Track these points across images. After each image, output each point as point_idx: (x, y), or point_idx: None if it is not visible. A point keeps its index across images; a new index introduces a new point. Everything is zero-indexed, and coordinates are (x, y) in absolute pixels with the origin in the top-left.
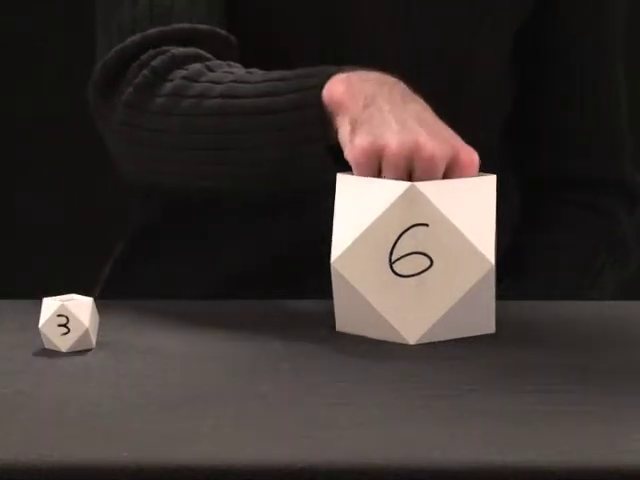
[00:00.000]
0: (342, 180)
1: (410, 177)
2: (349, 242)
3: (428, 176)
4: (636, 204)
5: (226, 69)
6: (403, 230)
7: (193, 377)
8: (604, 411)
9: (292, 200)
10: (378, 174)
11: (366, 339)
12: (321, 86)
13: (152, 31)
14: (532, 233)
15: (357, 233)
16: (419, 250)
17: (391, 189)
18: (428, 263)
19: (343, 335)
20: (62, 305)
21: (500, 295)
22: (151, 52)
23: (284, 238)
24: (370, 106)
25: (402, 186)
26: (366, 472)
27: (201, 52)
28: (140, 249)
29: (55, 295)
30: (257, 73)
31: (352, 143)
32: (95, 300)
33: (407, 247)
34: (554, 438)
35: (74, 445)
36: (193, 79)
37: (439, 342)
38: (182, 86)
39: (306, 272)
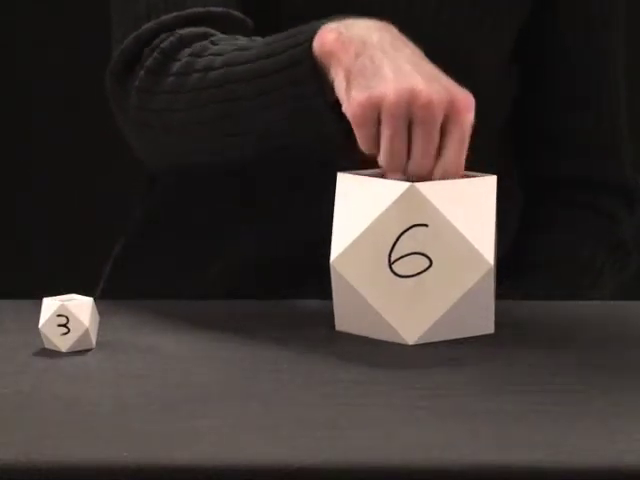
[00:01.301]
0: (342, 180)
1: (409, 128)
2: (349, 242)
3: (427, 123)
4: (636, 205)
5: (230, 40)
6: (403, 230)
7: (193, 377)
8: (604, 411)
9: (292, 200)
10: (378, 126)
11: (366, 339)
12: (311, 39)
13: (167, 17)
14: (532, 233)
15: (357, 233)
16: (418, 250)
17: (391, 189)
18: (427, 263)
19: (343, 335)
20: (62, 305)
21: (500, 295)
22: (163, 36)
23: (284, 238)
24: (362, 54)
25: (402, 186)
26: (366, 472)
27: (210, 30)
28: (140, 249)
29: (55, 295)
30: (258, 40)
31: (348, 98)
32: (95, 300)
33: (406, 247)
34: (554, 438)
35: (74, 445)
36: (198, 54)
37: (439, 342)
38: (188, 63)
39: (306, 272)
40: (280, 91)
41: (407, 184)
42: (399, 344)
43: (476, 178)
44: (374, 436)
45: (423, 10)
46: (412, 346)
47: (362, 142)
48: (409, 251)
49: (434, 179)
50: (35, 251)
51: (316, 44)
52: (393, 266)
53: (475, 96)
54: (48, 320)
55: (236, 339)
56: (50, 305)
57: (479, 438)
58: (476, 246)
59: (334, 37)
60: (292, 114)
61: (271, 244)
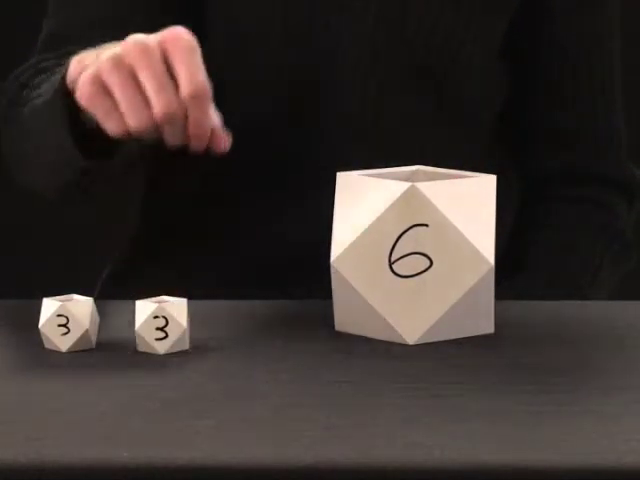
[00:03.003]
0: (342, 179)
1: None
2: (349, 242)
3: (144, 60)
4: (634, 197)
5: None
6: (403, 230)
7: (193, 377)
8: (604, 411)
9: (292, 202)
10: (109, 102)
11: (366, 339)
12: (63, 75)
13: (49, 55)
14: (531, 231)
15: (357, 233)
16: (419, 250)
17: (391, 189)
18: (428, 263)
19: (343, 335)
20: (62, 305)
21: (500, 295)
22: (31, 70)
23: (284, 238)
24: (94, 63)
25: (402, 186)
26: (366, 472)
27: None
28: (139, 250)
29: (55, 295)
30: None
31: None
32: (95, 300)
33: (407, 247)
34: (554, 438)
35: (74, 445)
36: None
37: (439, 342)
38: (15, 95)
39: (306, 272)
40: (46, 132)
41: (407, 184)
42: (399, 344)
43: (476, 178)
44: (374, 436)
45: (406, 14)
46: (413, 346)
47: (99, 118)
48: (409, 251)
49: (187, 106)
50: (35, 251)
51: (68, 78)
52: (393, 266)
53: (468, 96)
54: (48, 320)
55: (236, 339)
56: (50, 305)
57: (479, 438)
58: (476, 246)
59: (75, 64)
60: (57, 151)
61: (271, 244)
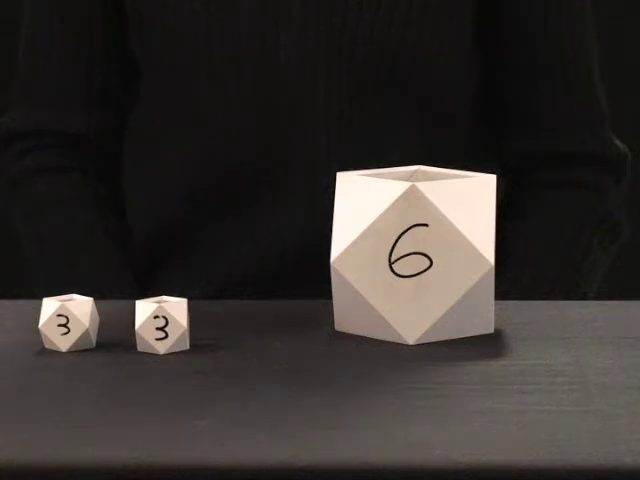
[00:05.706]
0: (342, 179)
1: None
2: (349, 242)
3: None
4: (621, 172)
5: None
6: (403, 230)
7: (193, 377)
8: (604, 411)
9: (291, 200)
10: None
11: (366, 339)
12: None
13: (17, 125)
14: (514, 220)
15: (357, 233)
16: (419, 250)
17: (391, 189)
18: (428, 263)
19: (343, 335)
20: (62, 305)
21: (500, 295)
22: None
23: (284, 239)
24: None
25: (402, 186)
26: (366, 472)
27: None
28: (140, 250)
29: (55, 295)
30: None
31: None
32: (95, 300)
33: (407, 247)
34: (554, 438)
35: (74, 445)
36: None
37: (439, 342)
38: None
39: (305, 272)
40: None
41: (408, 184)
42: (399, 344)
43: (476, 177)
44: (374, 436)
45: (371, 9)
46: (413, 346)
47: None
48: (409, 251)
49: None
50: None
51: None
52: (393, 266)
53: (438, 82)
54: (48, 320)
55: (236, 339)
56: (50, 305)
57: (479, 438)
58: (476, 246)
59: None
60: None
61: (271, 244)
